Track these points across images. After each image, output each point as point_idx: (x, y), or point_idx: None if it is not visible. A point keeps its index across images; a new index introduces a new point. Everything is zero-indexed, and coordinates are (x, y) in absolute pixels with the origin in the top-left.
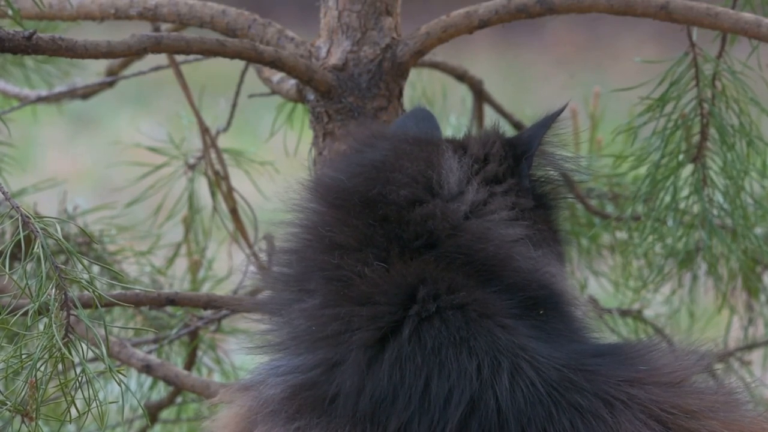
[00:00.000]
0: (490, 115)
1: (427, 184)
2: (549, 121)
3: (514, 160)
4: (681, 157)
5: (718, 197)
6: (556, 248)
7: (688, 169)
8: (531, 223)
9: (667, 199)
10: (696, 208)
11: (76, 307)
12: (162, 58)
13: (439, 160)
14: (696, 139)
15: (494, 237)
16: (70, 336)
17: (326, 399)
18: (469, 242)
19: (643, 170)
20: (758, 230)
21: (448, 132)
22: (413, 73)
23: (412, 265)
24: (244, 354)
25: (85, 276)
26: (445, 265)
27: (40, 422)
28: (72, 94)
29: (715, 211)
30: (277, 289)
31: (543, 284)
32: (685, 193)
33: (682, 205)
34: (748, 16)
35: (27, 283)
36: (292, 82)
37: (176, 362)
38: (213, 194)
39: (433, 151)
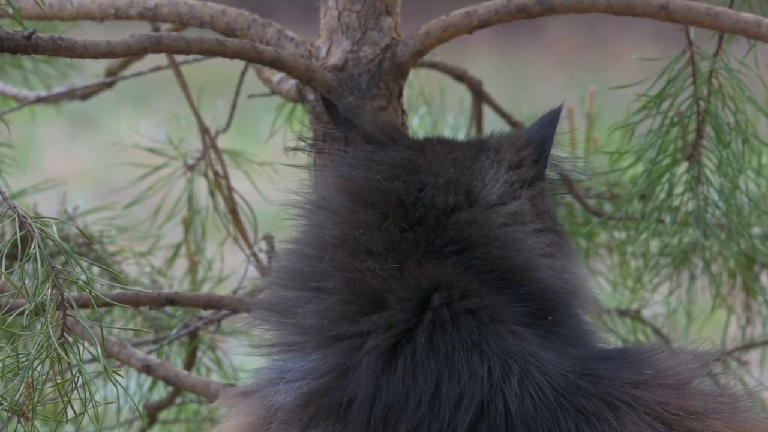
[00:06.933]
0: (489, 116)
1: (470, 192)
2: (554, 121)
3: (542, 164)
4: (677, 154)
5: (713, 195)
6: (571, 246)
7: (684, 166)
8: (555, 226)
9: (662, 196)
10: (691, 206)
11: (73, 308)
12: (162, 58)
13: (481, 167)
14: (692, 136)
15: (524, 247)
16: (67, 336)
17: (341, 405)
18: (498, 250)
19: (639, 168)
20: (756, 230)
21: (445, 132)
22: (411, 73)
23: (428, 267)
24: (244, 355)
25: (83, 277)
26: (462, 270)
27: (36, 423)
28: (71, 94)
29: (710, 210)
30: (290, 286)
31: (557, 290)
32: (680, 190)
33: (676, 202)
34: (747, 16)
35: (24, 284)
36: (292, 82)
37: (176, 363)
38: (212, 195)
39: (474, 157)
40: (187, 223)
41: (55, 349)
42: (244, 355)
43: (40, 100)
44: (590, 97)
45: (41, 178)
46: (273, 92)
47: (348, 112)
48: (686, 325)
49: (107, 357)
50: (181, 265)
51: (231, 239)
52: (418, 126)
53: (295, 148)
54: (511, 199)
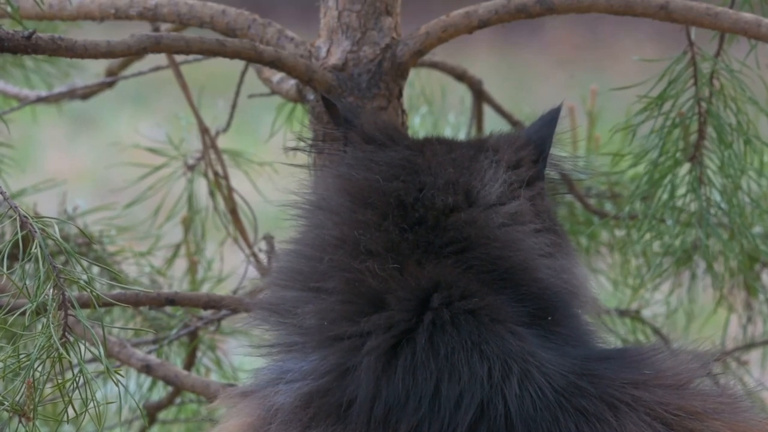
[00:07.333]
0: (489, 115)
1: (469, 192)
2: (554, 120)
3: (541, 163)
4: (678, 155)
5: (716, 196)
6: (570, 246)
7: (686, 167)
8: (554, 226)
9: (665, 197)
10: (693, 206)
11: (74, 308)
12: (162, 58)
13: (480, 167)
14: (694, 137)
15: (524, 247)
16: (68, 336)
17: (341, 406)
18: (497, 250)
19: (641, 168)
20: (757, 229)
21: (446, 131)
22: (411, 73)
23: (427, 268)
24: (244, 355)
25: (84, 276)
26: (462, 271)
27: (37, 422)
28: (72, 94)
29: (712, 210)
30: (289, 286)
31: (556, 290)
32: (682, 191)
33: (679, 203)
34: (747, 15)
35: (25, 283)
36: (292, 82)
37: (176, 363)
38: (212, 195)
39: (473, 157)
40: (187, 223)
41: (57, 349)
42: (244, 355)
43: (40, 99)
44: (592, 95)
45: (41, 178)
46: (273, 92)
47: (348, 112)
48: (686, 325)
49: (107, 357)
50: (181, 265)
51: (231, 239)
52: (419, 125)
53: (295, 148)
54: (510, 199)
